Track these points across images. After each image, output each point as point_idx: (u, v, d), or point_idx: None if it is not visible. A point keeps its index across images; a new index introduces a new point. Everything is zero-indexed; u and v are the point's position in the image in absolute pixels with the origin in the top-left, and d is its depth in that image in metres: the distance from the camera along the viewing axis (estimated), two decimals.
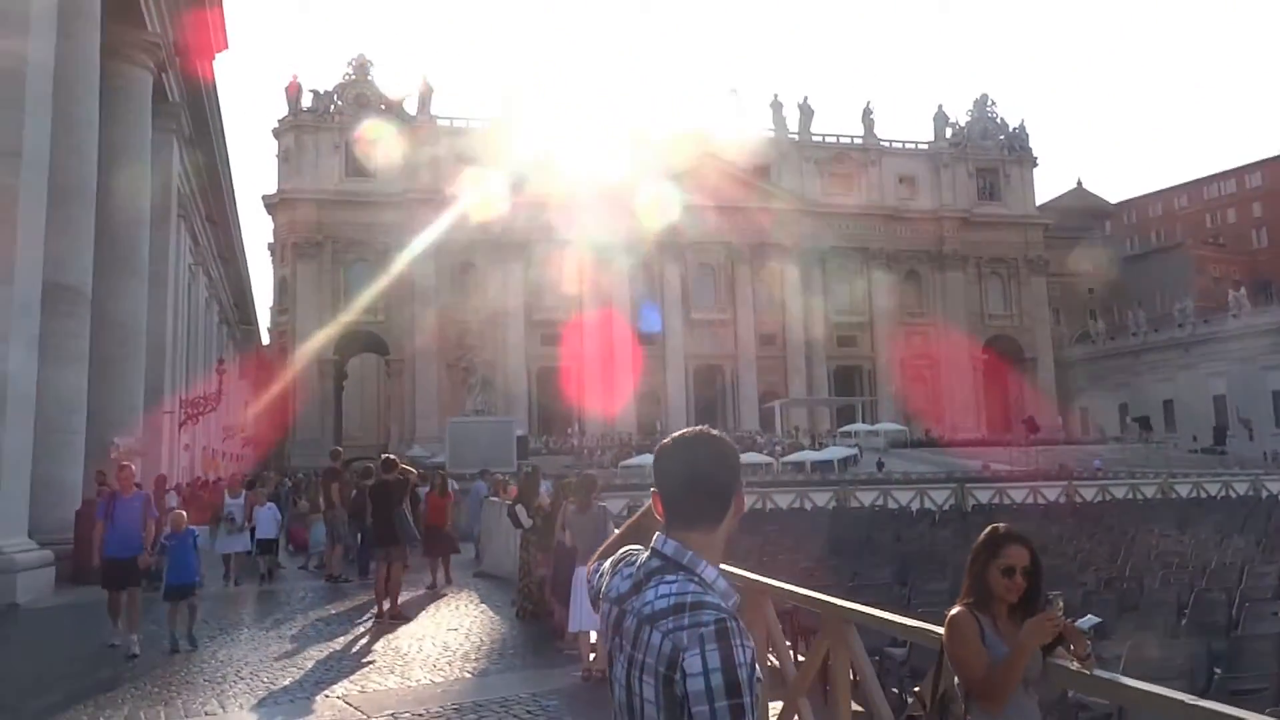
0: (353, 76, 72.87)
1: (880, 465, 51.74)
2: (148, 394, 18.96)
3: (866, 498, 25.80)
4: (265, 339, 79.14)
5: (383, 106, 72.53)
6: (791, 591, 5.71)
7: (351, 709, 8.67)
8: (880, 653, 6.79)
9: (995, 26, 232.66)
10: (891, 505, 24.18)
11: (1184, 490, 27.08)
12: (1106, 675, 3.20)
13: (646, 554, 2.23)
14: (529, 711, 8.39)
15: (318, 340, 67.91)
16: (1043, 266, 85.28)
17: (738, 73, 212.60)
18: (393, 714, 8.42)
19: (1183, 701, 2.81)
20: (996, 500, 25.40)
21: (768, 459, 53.99)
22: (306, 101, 71.65)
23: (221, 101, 28.18)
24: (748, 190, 75.32)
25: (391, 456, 15.02)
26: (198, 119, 26.34)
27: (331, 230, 69.56)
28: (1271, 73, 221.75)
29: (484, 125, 73.81)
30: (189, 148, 27.20)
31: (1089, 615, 3.41)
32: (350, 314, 69.54)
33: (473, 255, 72.15)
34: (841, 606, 4.93)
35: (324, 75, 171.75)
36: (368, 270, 70.05)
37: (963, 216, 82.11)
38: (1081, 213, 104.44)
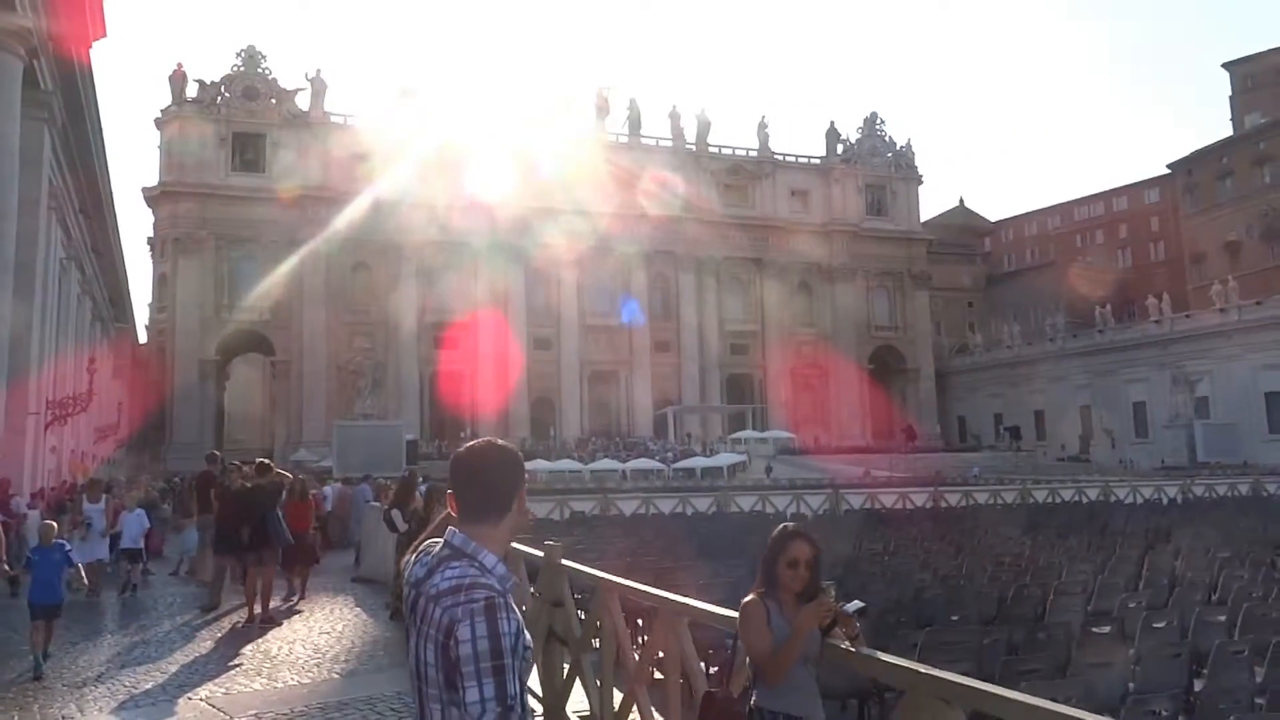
0: (242, 68, 70.73)
1: (769, 471, 53.10)
2: (10, 393, 18.17)
3: (746, 503, 26.64)
4: (144, 337, 75.95)
5: (273, 100, 70.67)
6: (629, 587, 6.13)
7: (214, 710, 8.71)
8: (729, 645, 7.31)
9: (887, 49, 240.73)
10: (769, 510, 25.01)
11: (1040, 496, 28.82)
12: (868, 652, 3.69)
13: (440, 545, 2.64)
14: (392, 709, 8.58)
15: (198, 339, 65.69)
16: (926, 280, 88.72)
17: (638, 82, 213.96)
18: (256, 714, 8.49)
19: (916, 670, 3.30)
20: (868, 505, 26.58)
21: (659, 465, 54.72)
22: (192, 91, 69.16)
23: (100, 90, 27.19)
24: (644, 198, 76.12)
25: (266, 460, 14.90)
26: (72, 108, 25.36)
27: (216, 226, 67.33)
28: (1135, 104, 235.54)
29: (379, 124, 72.67)
30: (62, 137, 26.17)
31: (855, 600, 3.90)
32: (234, 313, 67.52)
33: (364, 255, 70.94)
34: (672, 601, 5.37)
35: (211, 65, 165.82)
36: (254, 268, 68.09)
37: (852, 230, 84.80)
38: (963, 230, 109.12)
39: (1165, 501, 27.38)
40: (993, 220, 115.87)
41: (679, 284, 79.60)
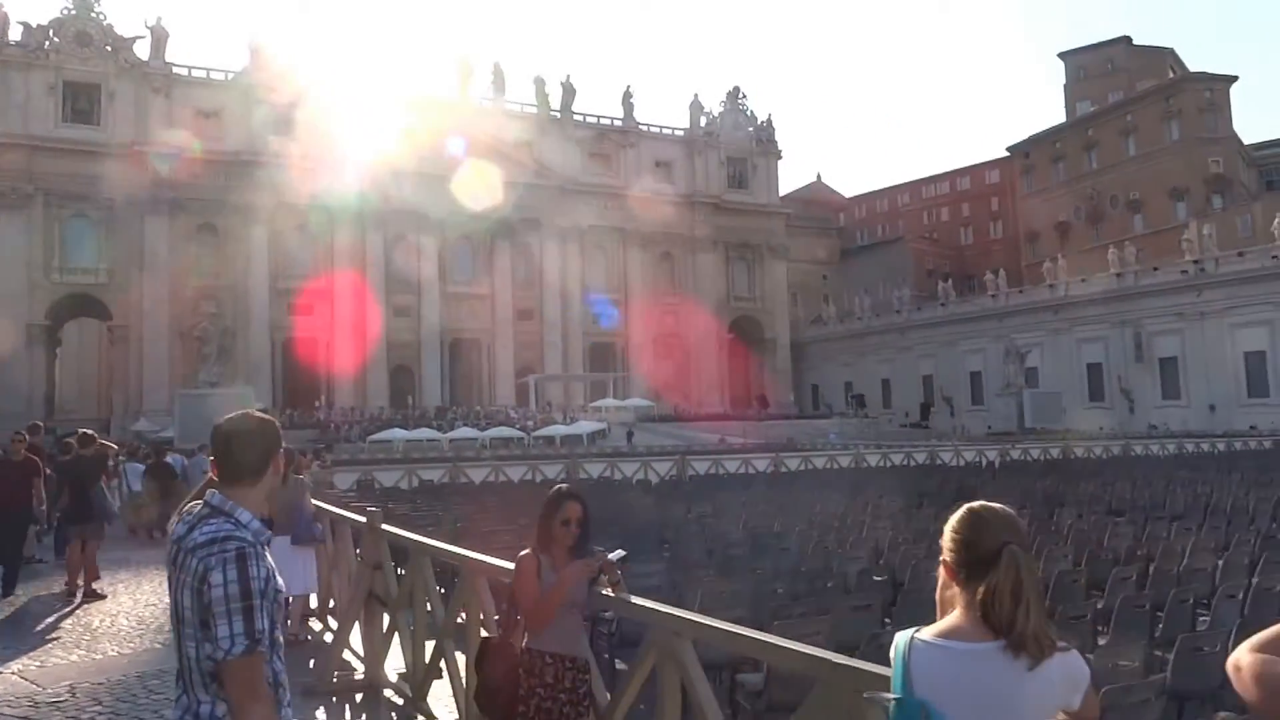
0: (73, 12, 65.84)
1: (630, 437, 53.96)
2: None
3: (596, 469, 27.19)
4: None
5: (109, 48, 66.20)
6: (437, 548, 6.42)
7: (26, 683, 8.52)
8: None
9: (750, 25, 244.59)
10: (617, 476, 25.61)
11: (874, 460, 30.53)
12: (624, 597, 4.13)
13: (200, 504, 2.87)
14: None
15: (25, 302, 61.38)
16: (783, 253, 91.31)
17: (501, 47, 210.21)
18: (71, 685, 8.36)
19: (655, 610, 3.73)
20: (713, 471, 27.57)
21: (519, 433, 54.77)
22: (15, 34, 64.05)
23: None
24: (508, 165, 75.20)
25: (89, 431, 14.35)
26: None
27: (44, 180, 62.73)
28: (985, 88, 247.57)
29: (227, 78, 69.24)
30: None
31: (618, 549, 4.31)
32: (66, 275, 63.45)
33: (211, 216, 67.72)
34: (471, 559, 5.68)
35: (38, 7, 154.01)
36: (87, 227, 64.13)
37: (714, 202, 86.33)
38: (819, 204, 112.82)
39: (984, 464, 29.52)
40: (848, 196, 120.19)
41: (542, 251, 79.30)
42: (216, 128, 66.73)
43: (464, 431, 53.63)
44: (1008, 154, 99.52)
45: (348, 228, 70.20)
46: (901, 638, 2.38)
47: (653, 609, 3.78)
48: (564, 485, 4.74)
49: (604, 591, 4.20)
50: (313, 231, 69.29)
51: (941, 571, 2.44)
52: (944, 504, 14.70)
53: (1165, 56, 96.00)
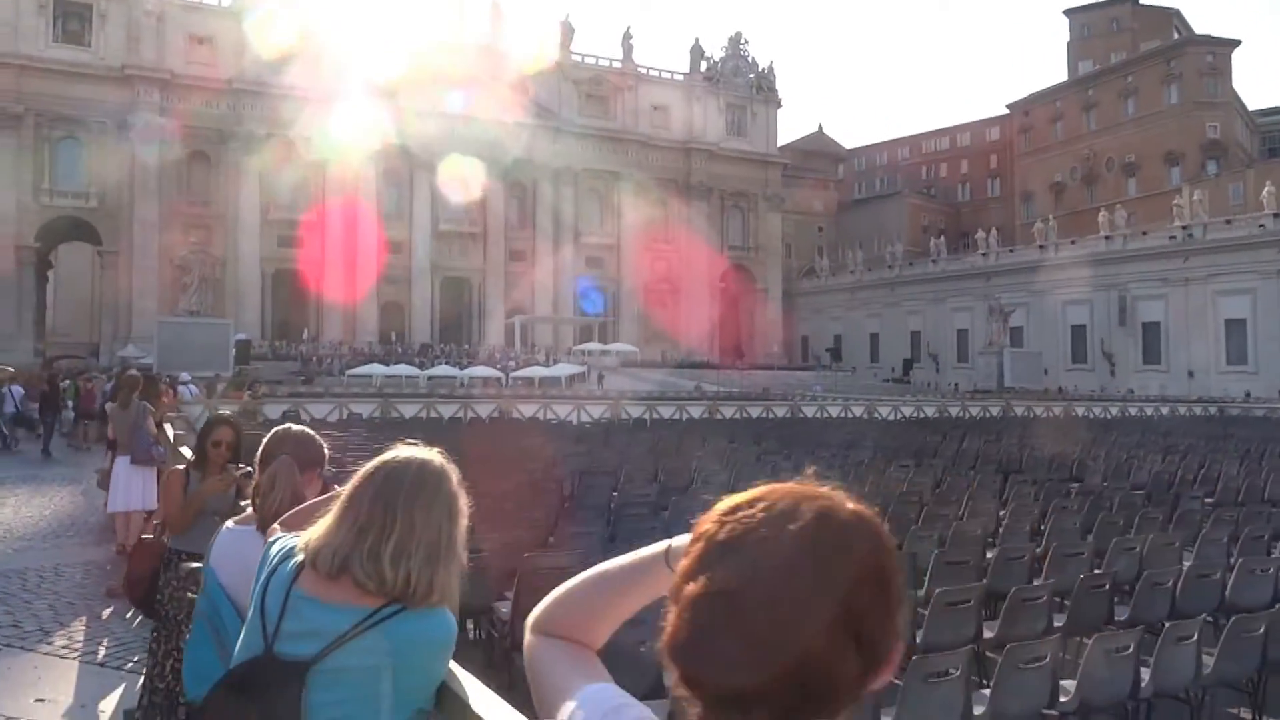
0: None
1: (600, 380, 54.40)
2: None
3: (529, 410, 27.85)
4: None
5: None
6: None
7: None
8: None
9: None
10: (550, 418, 26.26)
11: (810, 411, 31.13)
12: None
13: None
14: (42, 578, 9.63)
15: (15, 224, 61.45)
16: (779, 203, 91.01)
17: None
18: None
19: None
20: (646, 415, 28.10)
21: (497, 374, 55.31)
22: None
23: None
24: (504, 104, 74.65)
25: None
26: None
27: (34, 101, 62.34)
28: (989, 45, 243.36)
29: (221, 4, 68.48)
30: None
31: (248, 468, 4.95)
32: (56, 198, 63.46)
33: (203, 144, 67.44)
34: None
35: None
36: (79, 150, 63.90)
37: (711, 149, 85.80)
38: (819, 156, 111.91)
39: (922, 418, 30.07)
40: (849, 148, 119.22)
41: (536, 193, 79.12)
42: (210, 54, 66.19)
43: (443, 369, 54.14)
44: (1008, 111, 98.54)
45: (342, 161, 69.81)
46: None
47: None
48: (222, 412, 5.75)
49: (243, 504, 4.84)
50: (306, 164, 68.98)
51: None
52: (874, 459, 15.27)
53: (1170, 18, 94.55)
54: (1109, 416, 34.76)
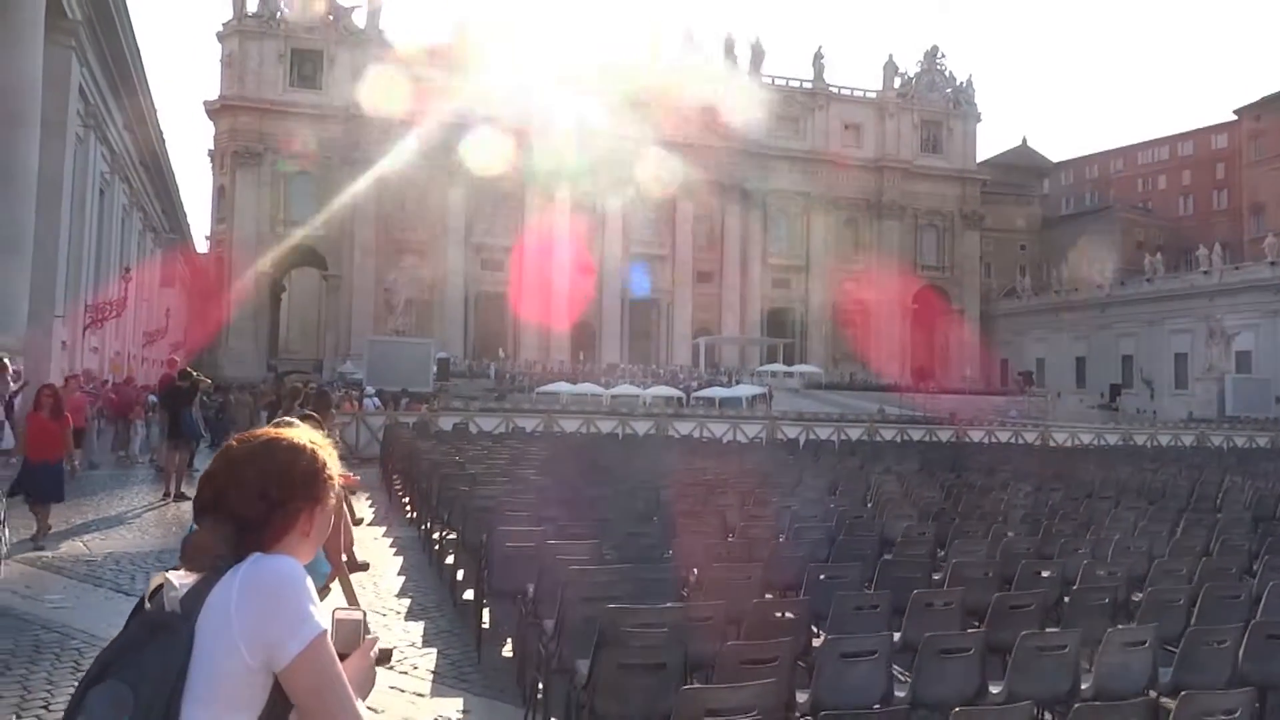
0: None
1: (769, 400, 53.56)
2: (37, 299, 20.23)
3: (685, 428, 28.28)
4: (205, 247, 79.20)
5: (331, 17, 71.93)
6: None
7: (83, 548, 11.94)
8: None
9: None
10: (705, 436, 26.70)
11: (978, 436, 29.74)
12: None
13: None
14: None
15: (254, 251, 68.34)
16: (977, 221, 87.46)
17: (691, 9, 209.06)
18: (112, 554, 11.53)
19: None
20: (803, 436, 27.78)
21: (679, 393, 56.13)
22: (252, 6, 70.82)
23: (144, 11, 28.84)
24: (694, 128, 76.01)
25: (187, 368, 17.12)
26: (108, 30, 26.94)
27: (273, 141, 69.38)
28: (1214, 43, 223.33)
29: (435, 45, 73.56)
30: (100, 60, 27.83)
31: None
32: (290, 226, 70.01)
33: (415, 175, 72.41)
34: None
35: None
36: (309, 183, 70.29)
37: (904, 167, 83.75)
38: (1023, 170, 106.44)
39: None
40: (1055, 161, 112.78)
41: (724, 214, 79.85)
42: (423, 92, 71.15)
43: (625, 388, 55.58)
44: (1235, 117, 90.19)
45: (539, 187, 73.20)
46: None
47: None
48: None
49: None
50: (506, 192, 72.82)
51: None
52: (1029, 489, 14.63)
53: None
54: None
